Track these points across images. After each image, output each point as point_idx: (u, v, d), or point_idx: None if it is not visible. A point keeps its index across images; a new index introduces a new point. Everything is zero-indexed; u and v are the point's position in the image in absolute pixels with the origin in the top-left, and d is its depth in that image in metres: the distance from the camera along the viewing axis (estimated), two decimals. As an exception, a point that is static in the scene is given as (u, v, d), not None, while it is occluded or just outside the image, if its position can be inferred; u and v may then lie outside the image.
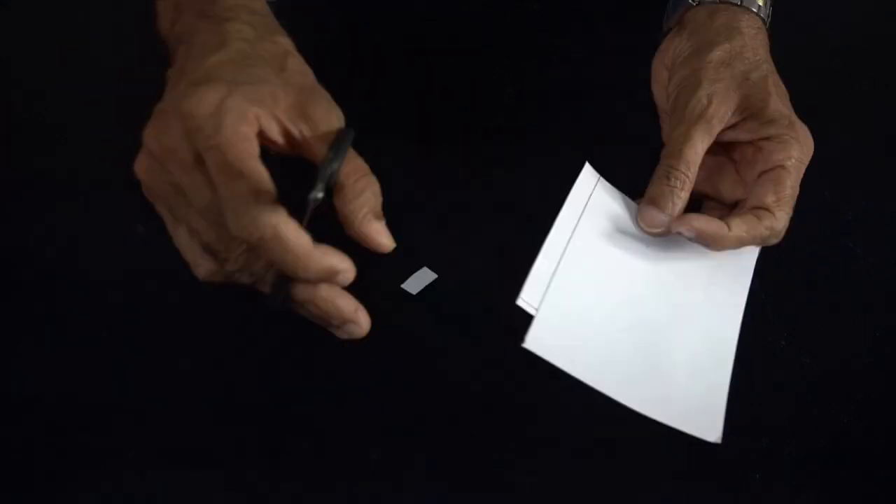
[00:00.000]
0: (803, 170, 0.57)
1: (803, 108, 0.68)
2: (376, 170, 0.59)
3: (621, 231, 0.57)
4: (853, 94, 0.70)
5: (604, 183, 0.59)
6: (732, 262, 0.58)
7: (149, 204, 0.63)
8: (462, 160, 0.65)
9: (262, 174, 0.43)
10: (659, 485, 0.52)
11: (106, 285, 0.59)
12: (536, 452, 0.53)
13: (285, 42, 0.50)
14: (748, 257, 0.59)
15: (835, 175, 0.65)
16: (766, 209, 0.55)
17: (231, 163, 0.42)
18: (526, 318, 0.52)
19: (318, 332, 0.57)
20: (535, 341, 0.50)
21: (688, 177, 0.54)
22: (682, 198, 0.54)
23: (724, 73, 0.55)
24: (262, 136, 0.45)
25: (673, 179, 0.54)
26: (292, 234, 0.42)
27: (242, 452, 0.53)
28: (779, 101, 0.56)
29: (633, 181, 0.60)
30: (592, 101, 0.70)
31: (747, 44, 0.56)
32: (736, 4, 0.59)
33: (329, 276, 0.44)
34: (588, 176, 0.58)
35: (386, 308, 0.58)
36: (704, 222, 0.54)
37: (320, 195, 0.45)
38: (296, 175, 0.55)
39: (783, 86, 0.57)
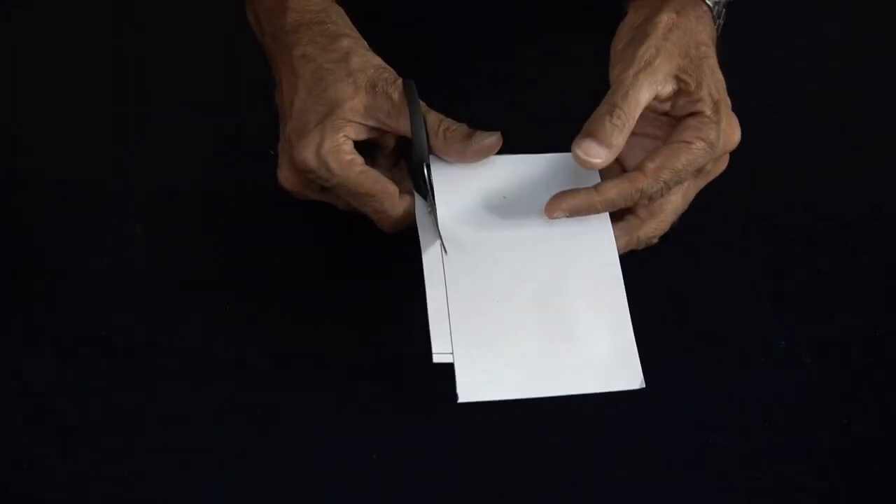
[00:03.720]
0: (715, 158, 0.54)
1: (804, 108, 0.69)
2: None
3: (476, 202, 0.55)
4: (853, 94, 0.70)
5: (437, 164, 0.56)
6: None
7: (148, 204, 0.63)
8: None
9: (374, 179, 0.54)
10: (658, 484, 0.52)
11: (106, 285, 0.59)
12: (537, 452, 0.53)
13: (346, 44, 0.55)
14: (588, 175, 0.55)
15: (835, 175, 0.65)
16: (642, 172, 0.53)
17: (351, 188, 0.54)
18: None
19: (318, 332, 0.57)
20: (467, 391, 0.50)
21: (630, 118, 0.52)
22: (619, 137, 0.52)
23: (671, 36, 0.55)
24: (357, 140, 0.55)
25: (615, 118, 0.52)
26: (417, 207, 0.55)
27: (242, 452, 0.53)
28: (711, 86, 0.54)
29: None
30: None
31: (692, 25, 0.56)
32: None
33: None
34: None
35: (387, 299, 0.58)
36: (570, 200, 0.53)
37: (424, 155, 0.54)
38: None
39: (720, 74, 0.56)
